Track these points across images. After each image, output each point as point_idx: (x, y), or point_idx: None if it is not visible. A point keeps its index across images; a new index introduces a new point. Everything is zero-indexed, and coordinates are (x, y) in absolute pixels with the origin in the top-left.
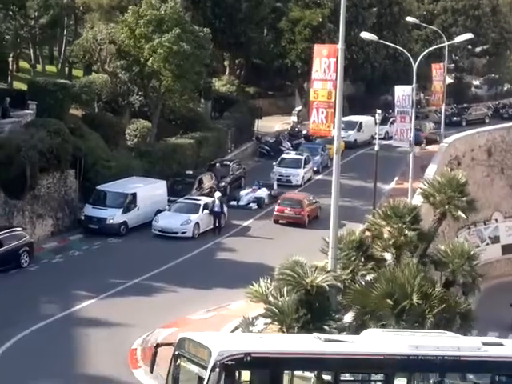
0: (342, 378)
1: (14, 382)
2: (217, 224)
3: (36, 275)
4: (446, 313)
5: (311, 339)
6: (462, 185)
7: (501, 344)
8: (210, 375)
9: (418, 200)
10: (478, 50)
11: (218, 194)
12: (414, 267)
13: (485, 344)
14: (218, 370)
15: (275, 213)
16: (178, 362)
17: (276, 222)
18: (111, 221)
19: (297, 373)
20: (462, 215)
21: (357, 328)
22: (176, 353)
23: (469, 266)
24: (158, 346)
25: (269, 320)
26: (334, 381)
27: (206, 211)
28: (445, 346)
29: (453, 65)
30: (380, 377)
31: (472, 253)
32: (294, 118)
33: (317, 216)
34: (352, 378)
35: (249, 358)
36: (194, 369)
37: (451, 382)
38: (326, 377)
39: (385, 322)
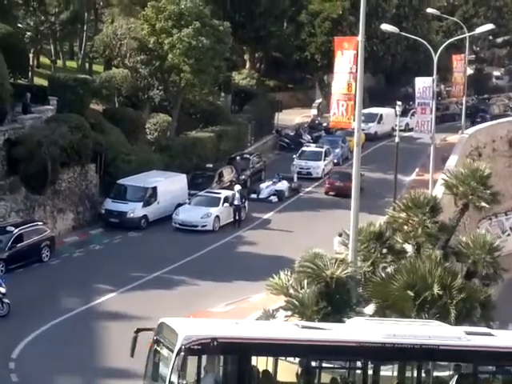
0: (314, 365)
1: (36, 375)
2: (237, 217)
3: (57, 269)
4: (467, 304)
5: (289, 326)
6: (485, 177)
7: (489, 334)
8: (175, 359)
9: (439, 191)
10: (499, 40)
11: (237, 187)
12: (435, 258)
13: (469, 334)
14: (183, 354)
15: (326, 185)
16: (155, 346)
17: (326, 193)
18: (132, 215)
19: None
20: (486, 206)
21: None
22: (154, 338)
23: (490, 257)
24: (138, 330)
25: (289, 312)
26: (305, 367)
27: (226, 204)
28: (424, 335)
29: (473, 56)
30: (355, 364)
31: (494, 244)
32: (314, 111)
33: (362, 188)
34: (326, 365)
35: (216, 343)
36: (166, 353)
37: (431, 370)
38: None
39: (406, 314)
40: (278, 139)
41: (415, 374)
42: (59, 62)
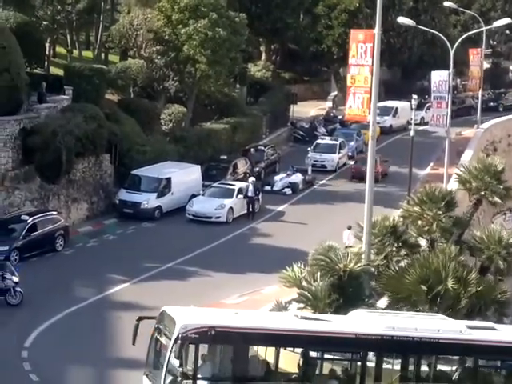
0: (312, 355)
1: (49, 364)
2: (251, 209)
3: (71, 259)
4: (481, 298)
5: (289, 317)
6: (499, 172)
7: (492, 328)
8: (172, 347)
9: (453, 186)
10: None
11: (251, 179)
12: (449, 253)
13: (470, 328)
14: (179, 342)
15: (351, 170)
16: (156, 334)
17: (352, 178)
18: (146, 205)
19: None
20: (499, 201)
21: None
22: (155, 326)
23: (506, 252)
24: (140, 318)
25: (302, 305)
26: (303, 357)
27: (240, 196)
28: (424, 329)
29: (490, 50)
30: (353, 356)
31: (509, 239)
32: (330, 104)
33: (386, 173)
34: (324, 356)
35: (213, 332)
36: (165, 341)
37: (431, 363)
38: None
39: (419, 308)
40: (293, 131)
41: (415, 367)
42: (75, 52)
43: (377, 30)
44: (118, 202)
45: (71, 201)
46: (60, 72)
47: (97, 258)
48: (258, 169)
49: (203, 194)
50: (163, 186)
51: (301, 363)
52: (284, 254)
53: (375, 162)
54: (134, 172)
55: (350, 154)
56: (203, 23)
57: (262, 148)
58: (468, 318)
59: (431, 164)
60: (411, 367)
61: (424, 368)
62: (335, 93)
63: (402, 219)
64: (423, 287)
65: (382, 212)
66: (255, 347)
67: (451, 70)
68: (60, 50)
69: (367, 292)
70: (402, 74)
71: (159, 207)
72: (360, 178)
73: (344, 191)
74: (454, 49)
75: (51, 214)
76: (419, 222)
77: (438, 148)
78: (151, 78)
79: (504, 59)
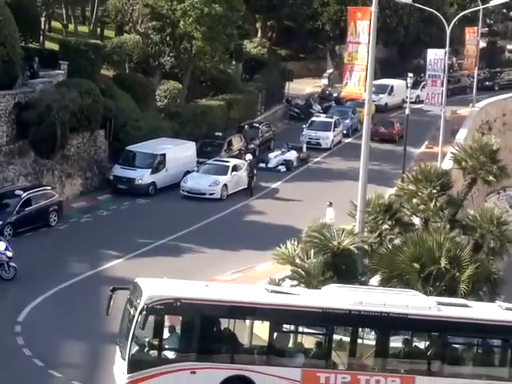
0: (280, 329)
1: (42, 338)
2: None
3: (65, 234)
4: (474, 277)
5: (259, 290)
6: (494, 151)
7: (464, 305)
8: (138, 317)
9: (448, 164)
10: None
11: (248, 157)
12: (442, 231)
13: (440, 304)
14: (144, 312)
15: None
16: (127, 305)
17: (371, 140)
18: (140, 181)
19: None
20: (494, 180)
21: None
22: (128, 297)
23: (498, 230)
24: (113, 289)
25: (295, 282)
26: (271, 330)
27: (235, 173)
28: (393, 304)
29: (487, 29)
30: (320, 330)
31: (502, 218)
32: (325, 81)
33: (402, 136)
34: (289, 329)
35: (178, 304)
36: (133, 312)
37: (399, 338)
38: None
39: (411, 286)
40: (288, 109)
41: (384, 342)
42: (71, 27)
43: (374, 8)
44: (112, 177)
45: (65, 176)
46: (55, 47)
47: (91, 234)
48: (252, 146)
49: (198, 171)
50: (158, 162)
51: (268, 336)
52: (278, 231)
53: (393, 123)
54: (129, 148)
55: (345, 131)
56: None
57: (257, 125)
58: (461, 297)
59: (426, 142)
60: (380, 342)
61: (392, 343)
62: (331, 70)
63: (396, 197)
64: (416, 265)
65: (376, 190)
66: (222, 319)
67: (447, 48)
68: (55, 24)
69: (360, 269)
70: (398, 52)
71: (153, 183)
72: (380, 139)
73: (338, 169)
74: (450, 27)
75: (45, 189)
76: (414, 201)
77: (432, 126)
78: (147, 54)
79: (500, 38)
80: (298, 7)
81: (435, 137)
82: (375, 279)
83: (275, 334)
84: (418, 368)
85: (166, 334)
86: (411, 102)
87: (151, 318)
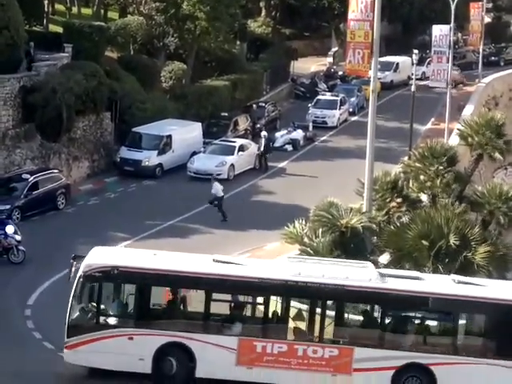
0: (215, 297)
1: (52, 321)
2: (263, 164)
3: (72, 217)
4: (483, 254)
5: (205, 260)
6: (500, 126)
7: (416, 278)
8: (77, 284)
9: (454, 141)
10: None
11: (264, 133)
12: (451, 208)
13: (384, 276)
14: (81, 280)
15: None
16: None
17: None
18: (147, 163)
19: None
20: (500, 157)
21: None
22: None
23: (506, 206)
24: (74, 257)
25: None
26: (206, 299)
27: (242, 153)
28: (331, 275)
29: (491, 4)
30: (256, 299)
31: (510, 193)
32: (330, 59)
33: (462, 82)
34: (226, 298)
35: (116, 271)
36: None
37: (338, 309)
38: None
39: (421, 264)
40: (294, 88)
41: (320, 312)
42: (74, 9)
43: None
44: (118, 159)
45: (72, 159)
46: (59, 29)
47: (98, 216)
48: (258, 125)
49: (204, 152)
50: (164, 144)
51: (204, 305)
52: (286, 210)
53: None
54: (135, 129)
55: (351, 109)
56: None
57: (263, 104)
58: (470, 273)
59: (432, 119)
60: (317, 313)
61: (331, 314)
62: (336, 49)
63: (403, 174)
64: (425, 243)
65: (383, 168)
66: (158, 288)
67: (452, 24)
68: (59, 7)
69: (369, 248)
70: (403, 29)
71: (160, 165)
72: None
73: (345, 147)
74: (455, 3)
75: (52, 173)
76: (421, 178)
77: (438, 103)
78: (151, 35)
79: (505, 13)
80: None
81: (442, 113)
82: (384, 257)
83: (212, 303)
84: (356, 340)
85: (103, 300)
86: (417, 79)
87: (89, 285)
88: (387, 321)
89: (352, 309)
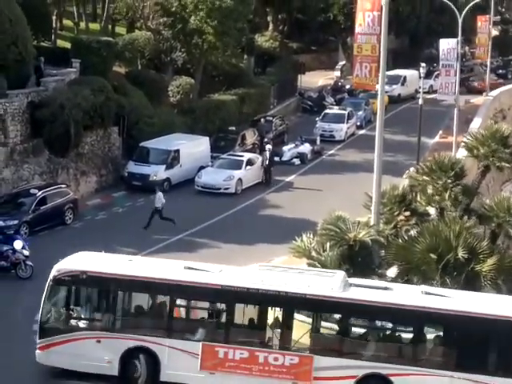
0: (179, 303)
1: None
2: (267, 177)
3: (80, 232)
4: (492, 267)
5: (175, 266)
6: (505, 137)
7: (386, 288)
8: (47, 287)
9: (462, 154)
10: None
11: (269, 147)
12: (459, 221)
13: (347, 285)
14: (51, 283)
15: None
16: None
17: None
18: (154, 177)
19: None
20: (507, 165)
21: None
22: None
23: None
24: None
25: None
26: (170, 304)
27: (249, 167)
28: (293, 284)
29: (499, 17)
30: (219, 306)
31: None
32: (337, 73)
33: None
34: (191, 304)
35: (85, 276)
36: None
37: (299, 317)
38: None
39: (429, 277)
40: (301, 101)
41: (281, 320)
42: (82, 25)
43: None
44: (126, 174)
45: (80, 174)
46: (67, 45)
47: (106, 231)
48: (266, 139)
49: (212, 166)
50: (172, 158)
51: (169, 310)
52: (293, 224)
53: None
54: (143, 144)
55: (358, 123)
56: None
57: (271, 118)
58: (478, 287)
59: (440, 132)
60: (278, 320)
61: (291, 322)
62: (343, 62)
63: (411, 188)
64: (433, 256)
65: (391, 181)
66: (125, 292)
67: (459, 37)
68: (67, 22)
69: (377, 262)
70: (410, 42)
71: (168, 179)
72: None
73: (353, 161)
74: (462, 16)
75: (60, 188)
76: (429, 191)
77: (446, 116)
78: (158, 50)
79: None
80: (308, 0)
81: (449, 126)
82: (392, 271)
83: (176, 308)
84: (316, 348)
85: (73, 303)
86: (424, 92)
87: (59, 289)
88: (347, 330)
89: (312, 317)
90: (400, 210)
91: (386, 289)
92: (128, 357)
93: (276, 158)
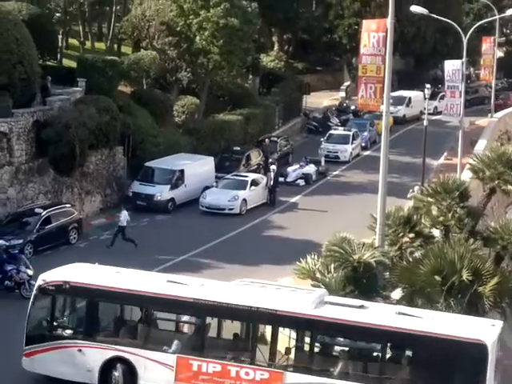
0: (156, 315)
1: None
2: (272, 198)
3: (84, 251)
4: (497, 289)
5: (158, 280)
6: (511, 160)
7: (361, 307)
8: (33, 296)
9: (467, 176)
10: None
11: (273, 167)
12: (464, 243)
13: (321, 303)
14: (35, 292)
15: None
16: None
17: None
18: (159, 197)
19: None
20: None
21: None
22: None
23: None
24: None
25: None
26: (146, 316)
27: (254, 187)
28: (264, 300)
29: (504, 38)
30: (193, 319)
31: None
32: (342, 94)
33: None
34: (166, 317)
35: (67, 286)
36: None
37: (269, 333)
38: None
39: (433, 299)
40: (306, 122)
41: (253, 335)
42: (88, 44)
43: (390, 19)
44: (131, 194)
45: (85, 193)
46: (73, 64)
47: (110, 251)
48: (271, 160)
49: (216, 186)
50: (176, 178)
51: (146, 322)
52: (298, 245)
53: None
54: (148, 164)
55: (363, 144)
56: (215, 11)
57: (276, 139)
58: (481, 310)
59: (445, 154)
60: (250, 335)
61: (263, 338)
62: (348, 83)
63: (415, 209)
64: (437, 278)
65: (395, 203)
66: (105, 303)
67: (464, 58)
68: (73, 41)
69: (381, 283)
70: (415, 64)
71: (172, 199)
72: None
73: (357, 182)
74: (467, 37)
75: (65, 207)
76: (433, 213)
77: (451, 138)
78: (164, 70)
79: None
80: (313, 20)
81: (454, 148)
82: (397, 293)
83: (153, 320)
84: (287, 364)
85: (56, 312)
86: (429, 114)
87: (43, 298)
88: (316, 347)
89: (283, 333)
90: (405, 231)
91: (361, 307)
92: (107, 366)
93: (281, 179)
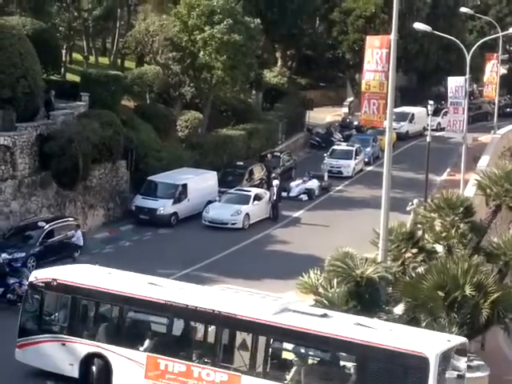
0: (130, 315)
1: None
2: (274, 213)
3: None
4: (499, 305)
5: (139, 281)
6: None
7: (323, 316)
8: (25, 292)
9: (470, 191)
10: None
11: (276, 182)
12: (467, 259)
13: (284, 311)
14: (26, 288)
15: None
16: None
17: None
18: (162, 211)
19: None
20: None
21: (408, 321)
22: None
23: None
24: None
25: None
26: (119, 314)
27: (257, 202)
28: (227, 304)
29: (507, 55)
30: (162, 320)
31: None
32: (346, 110)
33: None
34: (138, 316)
35: (55, 283)
36: None
37: (232, 337)
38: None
39: (436, 314)
40: (309, 137)
41: (216, 338)
42: (91, 58)
43: (393, 36)
44: (134, 208)
45: (88, 207)
46: (76, 78)
47: (113, 265)
48: (273, 175)
49: (219, 201)
50: (179, 193)
51: (120, 320)
52: (300, 260)
53: None
54: (151, 178)
55: (366, 159)
56: (219, 28)
57: (278, 154)
58: (483, 325)
59: (448, 170)
60: (213, 338)
61: (225, 341)
62: (351, 99)
63: (418, 225)
64: (440, 293)
65: (398, 218)
66: (86, 300)
67: (467, 75)
68: (76, 56)
69: (384, 298)
70: (418, 80)
71: (175, 213)
72: None
73: (360, 197)
74: (470, 54)
75: (68, 221)
76: (436, 228)
77: (454, 154)
78: (167, 85)
79: None
80: (317, 36)
81: (457, 164)
82: (399, 308)
83: (127, 319)
84: (244, 368)
85: (45, 307)
86: (432, 130)
87: (33, 293)
88: (272, 353)
89: (244, 338)
90: (407, 247)
91: (323, 316)
92: (86, 361)
93: (283, 194)
